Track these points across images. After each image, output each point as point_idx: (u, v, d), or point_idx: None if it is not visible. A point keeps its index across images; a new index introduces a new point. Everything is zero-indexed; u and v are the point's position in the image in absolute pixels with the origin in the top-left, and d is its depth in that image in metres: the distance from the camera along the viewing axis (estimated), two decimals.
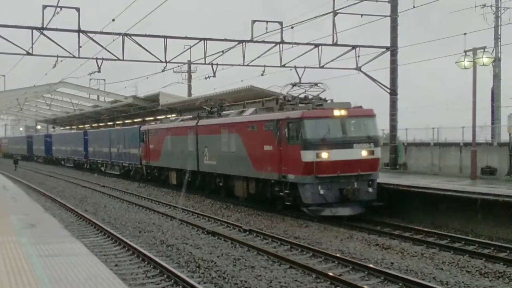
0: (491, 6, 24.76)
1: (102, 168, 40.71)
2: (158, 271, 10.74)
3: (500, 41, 24.60)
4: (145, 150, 30.17)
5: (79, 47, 21.24)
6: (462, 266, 10.90)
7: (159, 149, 28.03)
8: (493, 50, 24.11)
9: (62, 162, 53.86)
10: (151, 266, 11.12)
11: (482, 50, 22.83)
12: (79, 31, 20.76)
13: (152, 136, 29.33)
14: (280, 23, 22.58)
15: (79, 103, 51.86)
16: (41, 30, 20.37)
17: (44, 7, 19.88)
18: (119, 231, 15.39)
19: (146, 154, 30.01)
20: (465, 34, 22.56)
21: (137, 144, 31.76)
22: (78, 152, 46.78)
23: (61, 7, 19.74)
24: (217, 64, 24.06)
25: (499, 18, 24.69)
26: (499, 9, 24.71)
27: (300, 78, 24.64)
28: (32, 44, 20.73)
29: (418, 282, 9.54)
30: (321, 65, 24.09)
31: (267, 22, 22.35)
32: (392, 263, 11.25)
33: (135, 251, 12.44)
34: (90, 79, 43.67)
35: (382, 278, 10.10)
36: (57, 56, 23.13)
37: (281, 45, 22.89)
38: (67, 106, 54.54)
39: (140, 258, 11.87)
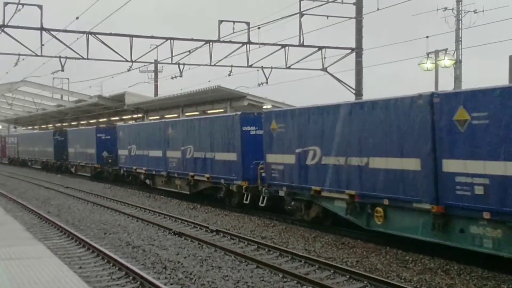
0: (452, 9, 25.38)
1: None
2: (123, 273, 10.61)
3: (461, 43, 25.24)
4: None
5: (42, 45, 20.88)
6: (425, 264, 11.14)
7: None
8: (454, 52, 24.75)
9: (148, 182, 25.91)
10: (117, 268, 10.97)
11: (444, 52, 23.40)
12: (41, 29, 20.37)
13: None
14: (247, 23, 22.68)
15: (42, 102, 50.83)
16: (2, 28, 19.88)
17: (6, 4, 19.45)
18: (83, 233, 15.13)
19: None
20: (427, 37, 23.17)
21: None
22: (222, 168, 19.22)
23: (23, 4, 19.36)
24: (184, 64, 23.98)
25: (460, 21, 25.33)
26: (460, 12, 25.34)
27: (267, 79, 24.80)
28: None
29: (382, 280, 9.73)
30: (287, 65, 24.29)
31: (234, 22, 22.42)
32: (357, 261, 11.42)
33: (100, 253, 12.25)
34: (54, 78, 43.01)
35: (348, 276, 10.24)
36: (19, 54, 22.69)
37: (248, 45, 22.98)
38: (29, 106, 53.37)
39: (105, 260, 11.71)
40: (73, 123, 54.84)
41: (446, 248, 11.34)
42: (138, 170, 26.60)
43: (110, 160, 31.42)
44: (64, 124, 57.24)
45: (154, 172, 24.73)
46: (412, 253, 11.88)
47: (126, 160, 28.20)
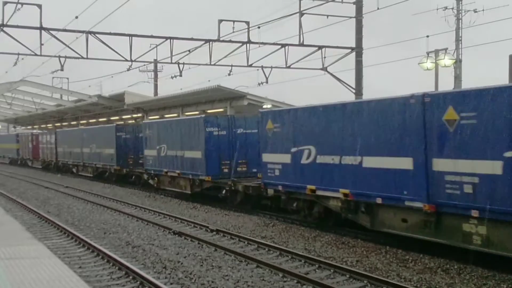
0: (452, 8, 25.36)
1: None
2: (123, 272, 10.60)
3: (461, 43, 25.23)
4: None
5: (41, 44, 20.86)
6: (425, 263, 11.13)
7: None
8: (454, 52, 24.73)
9: (351, 217, 13.51)
10: (116, 268, 10.97)
11: (444, 51, 23.38)
12: (41, 28, 20.35)
13: None
14: (247, 22, 22.67)
15: (41, 102, 50.81)
16: (2, 27, 19.87)
17: (5, 3, 19.46)
18: (83, 233, 15.13)
19: None
20: (427, 36, 23.19)
21: None
22: None
23: (22, 4, 19.37)
24: (183, 63, 23.96)
25: (460, 21, 25.31)
26: (460, 11, 25.32)
27: (267, 78, 24.78)
28: None
29: (382, 280, 9.72)
30: (287, 65, 24.27)
31: (233, 21, 22.40)
32: (357, 261, 11.41)
33: (99, 252, 12.25)
34: (53, 78, 42.97)
35: (348, 276, 10.24)
36: (18, 54, 22.68)
37: (248, 45, 22.96)
38: (28, 105, 53.34)
39: (105, 260, 11.70)
40: (72, 123, 54.79)
41: (446, 247, 11.34)
42: (322, 193, 14.08)
43: (226, 170, 20.18)
44: (63, 124, 57.20)
45: (375, 201, 12.32)
46: (412, 253, 11.87)
47: (283, 173, 15.71)
